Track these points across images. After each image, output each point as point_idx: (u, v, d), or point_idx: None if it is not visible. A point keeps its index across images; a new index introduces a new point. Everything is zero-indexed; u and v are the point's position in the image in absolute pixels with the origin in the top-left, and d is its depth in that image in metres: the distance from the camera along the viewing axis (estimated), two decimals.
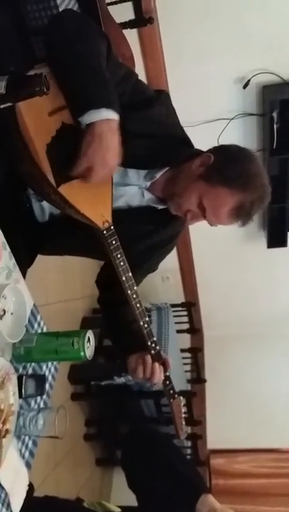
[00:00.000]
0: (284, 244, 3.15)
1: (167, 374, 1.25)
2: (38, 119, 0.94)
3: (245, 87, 2.63)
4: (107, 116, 0.92)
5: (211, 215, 1.16)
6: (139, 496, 1.39)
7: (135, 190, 1.24)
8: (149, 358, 1.20)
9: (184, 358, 3.36)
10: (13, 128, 0.92)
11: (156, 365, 1.20)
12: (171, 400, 1.29)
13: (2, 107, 0.80)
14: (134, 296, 1.16)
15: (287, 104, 2.57)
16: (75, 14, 1.03)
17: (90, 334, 1.02)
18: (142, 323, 1.18)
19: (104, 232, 1.09)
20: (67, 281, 2.90)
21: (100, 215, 1.07)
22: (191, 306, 3.46)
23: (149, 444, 1.46)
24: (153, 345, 1.20)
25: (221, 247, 3.43)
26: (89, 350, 1.01)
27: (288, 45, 2.51)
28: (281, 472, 3.28)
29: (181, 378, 3.18)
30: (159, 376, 1.20)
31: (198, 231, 3.27)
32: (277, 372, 3.60)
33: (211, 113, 2.71)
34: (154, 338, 1.21)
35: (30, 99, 0.79)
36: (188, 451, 3.05)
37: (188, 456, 3.00)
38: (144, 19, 2.23)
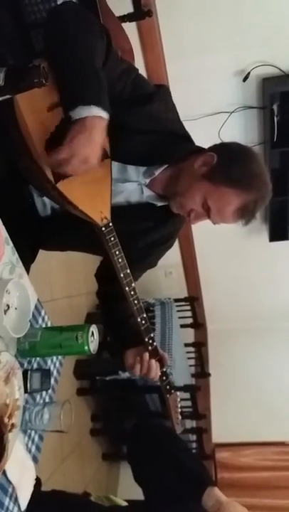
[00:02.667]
0: (286, 238, 3.14)
1: (164, 370, 1.25)
2: (37, 114, 0.94)
3: (245, 79, 2.62)
4: (97, 113, 0.91)
5: (216, 215, 1.15)
6: (146, 489, 1.40)
7: (134, 187, 1.24)
8: (146, 355, 1.20)
9: (188, 352, 3.37)
10: (11, 123, 0.92)
11: (153, 362, 1.21)
12: (168, 396, 1.30)
13: (1, 99, 0.79)
14: (132, 292, 1.16)
15: (288, 97, 2.56)
16: (74, 7, 1.01)
17: (93, 328, 1.03)
18: (139, 320, 1.18)
19: (103, 228, 1.08)
20: (71, 277, 2.90)
21: (98, 212, 1.07)
22: (194, 300, 3.46)
23: (155, 439, 1.47)
24: (150, 341, 1.21)
25: (224, 242, 3.42)
26: (93, 344, 1.02)
27: (288, 36, 2.50)
28: (286, 465, 3.29)
29: (185, 372, 3.19)
30: (155, 373, 1.21)
31: (200, 226, 3.26)
32: (281, 366, 3.60)
33: (211, 106, 2.70)
34: (152, 335, 1.21)
35: (29, 91, 0.79)
36: (194, 444, 3.06)
37: (194, 450, 3.01)
38: (142, 12, 2.22)
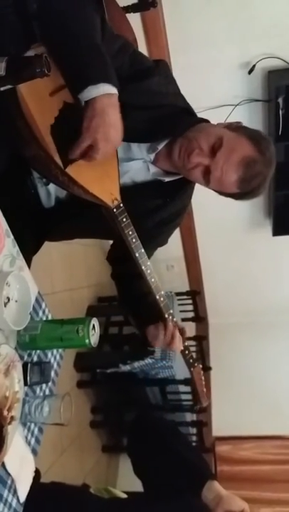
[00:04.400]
0: None
1: (186, 344, 1.27)
2: (40, 100, 0.93)
3: (250, 72, 2.59)
4: (107, 91, 0.90)
5: (224, 155, 1.10)
6: (145, 482, 1.40)
7: (140, 165, 1.22)
8: (170, 325, 1.21)
9: (189, 345, 3.36)
10: (16, 112, 0.91)
11: (177, 331, 1.22)
12: (192, 369, 1.33)
13: (2, 89, 0.78)
14: (149, 271, 1.17)
15: None
16: None
17: (94, 321, 1.02)
18: (158, 297, 1.20)
19: (114, 210, 1.08)
20: (72, 270, 2.90)
21: (108, 193, 1.07)
22: (196, 294, 3.46)
23: (155, 432, 1.47)
24: (170, 317, 1.23)
25: (226, 235, 3.41)
26: (94, 337, 1.01)
27: None
28: (286, 459, 3.30)
29: (186, 366, 3.19)
30: (178, 343, 1.22)
31: (203, 219, 3.26)
32: (282, 360, 3.61)
33: (215, 99, 2.67)
34: (171, 311, 1.23)
35: (31, 81, 0.78)
36: (194, 438, 3.07)
37: (194, 443, 3.03)
38: (147, 2, 2.19)
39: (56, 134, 0.94)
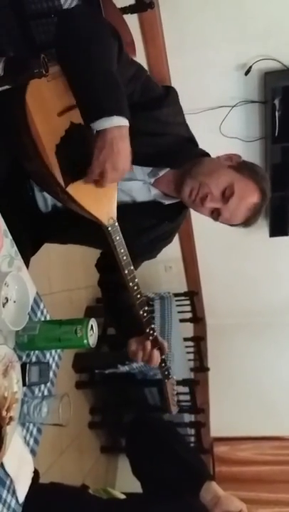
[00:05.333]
0: (286, 233, 3.13)
1: (163, 357, 1.31)
2: (48, 119, 0.95)
3: (247, 73, 2.60)
4: (118, 123, 0.93)
5: (235, 203, 1.17)
6: (144, 483, 1.41)
7: (140, 185, 1.26)
8: (148, 345, 1.26)
9: (186, 346, 3.37)
10: (22, 128, 0.92)
11: (154, 351, 1.26)
12: (166, 380, 1.38)
13: (0, 89, 0.78)
14: (136, 287, 1.19)
15: None
16: (85, 11, 1.01)
17: (93, 322, 1.02)
18: (141, 312, 1.23)
19: (109, 228, 1.10)
20: (70, 270, 2.90)
21: (105, 213, 1.09)
22: (193, 295, 3.46)
23: (153, 432, 1.47)
24: (151, 332, 1.27)
25: (224, 236, 3.40)
26: (92, 338, 1.01)
27: None
28: (284, 459, 3.31)
29: (184, 367, 3.20)
30: (156, 360, 1.27)
31: (201, 220, 3.26)
32: (280, 361, 3.61)
33: (212, 100, 2.68)
34: (153, 326, 1.27)
35: (40, 97, 0.78)
36: (192, 438, 3.07)
37: (192, 444, 3.03)
38: (144, 4, 2.20)
39: (61, 153, 0.96)
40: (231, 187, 1.16)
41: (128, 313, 1.33)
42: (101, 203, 1.08)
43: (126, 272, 1.16)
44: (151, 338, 1.26)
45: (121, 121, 0.94)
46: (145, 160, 1.19)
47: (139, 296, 1.20)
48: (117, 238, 1.12)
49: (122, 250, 1.14)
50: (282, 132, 2.60)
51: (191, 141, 1.27)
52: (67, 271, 2.85)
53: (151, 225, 1.32)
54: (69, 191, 1.00)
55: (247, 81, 2.64)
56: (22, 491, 0.97)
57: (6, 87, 0.79)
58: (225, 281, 3.66)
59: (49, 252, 2.47)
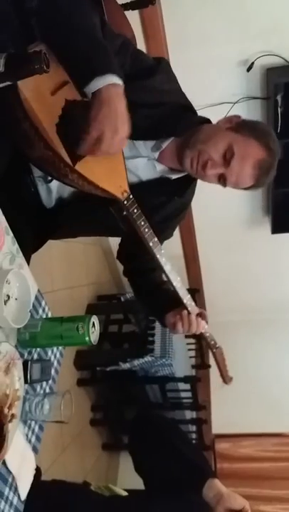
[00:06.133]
0: (288, 230, 3.12)
1: (206, 327, 1.31)
2: (43, 100, 0.93)
3: (249, 69, 2.58)
4: (113, 81, 0.90)
5: (237, 163, 1.13)
6: (146, 480, 1.41)
7: (145, 162, 1.23)
8: (185, 312, 1.26)
9: (188, 343, 3.37)
10: (20, 115, 0.91)
11: (193, 317, 1.26)
12: (214, 350, 1.39)
13: (1, 86, 0.78)
14: (164, 259, 1.20)
15: None
16: None
17: (94, 319, 1.02)
18: (175, 284, 1.23)
19: (125, 202, 1.10)
20: (71, 268, 2.90)
21: (118, 187, 1.08)
22: (195, 292, 3.46)
23: (156, 430, 1.47)
24: (189, 302, 1.26)
25: (225, 233, 3.41)
26: (94, 335, 1.01)
27: None
28: (286, 456, 3.31)
29: (185, 364, 3.20)
30: (196, 326, 1.27)
31: (203, 217, 3.26)
32: (282, 358, 3.61)
33: (214, 97, 2.67)
34: (189, 296, 1.27)
35: (31, 79, 0.78)
36: (194, 435, 3.08)
37: (194, 441, 3.03)
38: (145, 0, 2.19)
39: (62, 132, 0.94)
40: (231, 149, 1.13)
41: (159, 291, 1.34)
42: (112, 178, 1.07)
43: (151, 244, 1.16)
44: (190, 308, 1.26)
45: (114, 79, 0.90)
46: (146, 133, 1.16)
47: (169, 267, 1.21)
48: (135, 211, 1.11)
49: (143, 223, 1.13)
50: (285, 128, 2.59)
51: (190, 109, 1.24)
52: (69, 268, 2.85)
53: (161, 203, 1.29)
54: (78, 169, 0.97)
55: (249, 77, 2.63)
56: (24, 488, 0.97)
57: (7, 83, 0.78)
58: (226, 279, 3.65)
59: (51, 249, 2.47)
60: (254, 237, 3.37)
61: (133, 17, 2.26)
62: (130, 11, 2.16)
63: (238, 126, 1.18)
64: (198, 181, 1.36)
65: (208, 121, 1.25)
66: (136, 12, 2.31)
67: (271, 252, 3.45)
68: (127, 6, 2.14)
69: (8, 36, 0.97)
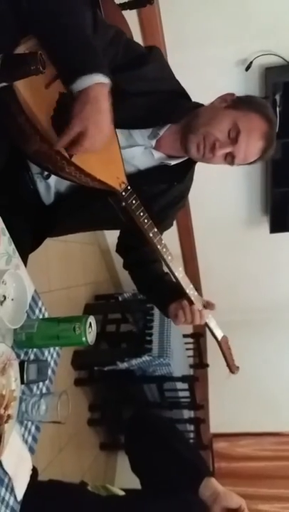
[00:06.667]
0: (287, 229, 3.12)
1: (209, 316, 1.31)
2: (37, 94, 0.93)
3: (247, 69, 2.58)
4: (99, 80, 0.90)
5: (244, 139, 1.14)
6: (143, 479, 1.41)
7: (142, 151, 1.23)
8: (186, 303, 1.25)
9: (186, 343, 3.38)
10: (15, 109, 0.91)
11: (195, 307, 1.25)
12: (219, 339, 1.38)
13: None
14: (164, 249, 1.20)
15: None
16: None
17: (91, 319, 1.02)
18: (177, 274, 1.23)
19: (123, 193, 1.10)
20: (69, 268, 2.90)
21: (115, 178, 1.08)
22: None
23: (152, 429, 1.47)
24: (192, 291, 1.26)
25: (224, 233, 3.41)
26: (91, 335, 1.01)
27: None
28: (283, 455, 3.32)
29: (183, 363, 3.20)
30: (198, 317, 1.26)
31: (201, 217, 3.26)
32: (280, 357, 3.62)
33: (212, 96, 2.63)
34: (191, 285, 1.26)
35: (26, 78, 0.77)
36: (192, 435, 3.08)
37: (192, 440, 3.04)
38: (143, 0, 2.18)
39: (57, 124, 0.94)
40: (235, 126, 1.14)
41: (160, 283, 1.33)
42: (109, 169, 1.06)
43: (151, 234, 1.16)
44: (192, 298, 1.25)
45: (101, 79, 0.90)
46: (142, 122, 1.17)
47: (170, 257, 1.20)
48: (134, 202, 1.11)
49: (142, 213, 1.13)
50: (283, 128, 2.57)
51: (184, 95, 1.25)
52: (66, 268, 2.85)
53: (161, 191, 1.29)
54: (75, 162, 0.97)
55: (247, 77, 2.63)
56: (20, 489, 0.96)
57: (3, 84, 0.78)
58: (225, 278, 3.66)
59: (48, 249, 2.47)
60: (252, 236, 3.37)
61: (131, 16, 2.26)
62: (128, 10, 2.16)
63: (234, 103, 1.18)
64: (195, 179, 1.37)
65: (202, 106, 1.25)
66: (134, 12, 2.31)
67: (269, 252, 3.46)
68: (124, 6, 2.13)
69: (4, 36, 0.97)
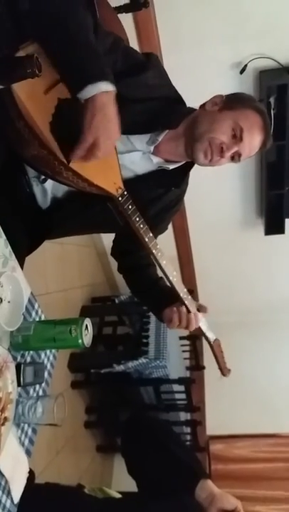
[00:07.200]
0: (281, 232, 3.14)
1: (203, 319, 1.32)
2: (36, 99, 0.94)
3: (242, 72, 2.60)
4: (105, 89, 0.92)
5: (248, 136, 1.18)
6: (139, 481, 1.41)
7: (140, 156, 1.25)
8: (183, 308, 1.26)
9: (182, 345, 3.38)
10: (14, 114, 0.91)
11: (191, 314, 1.27)
12: (212, 343, 1.39)
13: None
14: (159, 254, 1.21)
15: (285, 90, 2.54)
16: None
17: (87, 322, 1.02)
18: (171, 278, 1.24)
19: (120, 198, 1.11)
20: (65, 270, 2.89)
21: (112, 183, 1.09)
22: (189, 293, 3.46)
23: (149, 431, 1.47)
24: (185, 295, 1.27)
25: (219, 235, 3.42)
26: (87, 337, 1.01)
27: (286, 29, 2.48)
28: (280, 457, 3.32)
29: (180, 365, 3.20)
30: (194, 323, 1.27)
31: (196, 219, 3.26)
32: (276, 359, 3.62)
33: (207, 99, 2.68)
34: (185, 290, 1.27)
35: (23, 81, 0.78)
36: (188, 437, 3.08)
37: (188, 443, 3.04)
38: (139, 3, 2.19)
39: (56, 130, 0.95)
40: (237, 125, 1.17)
41: (155, 287, 1.34)
42: (106, 174, 1.08)
43: (146, 239, 1.17)
44: (186, 302, 1.26)
45: (107, 87, 0.92)
46: (141, 127, 1.19)
47: (165, 262, 1.22)
48: (130, 207, 1.13)
49: (138, 219, 1.14)
50: (277, 130, 2.60)
51: (180, 101, 1.27)
52: (63, 270, 2.85)
53: (158, 195, 1.30)
54: (72, 167, 0.99)
55: (242, 79, 2.64)
56: (17, 492, 0.96)
57: (0, 87, 0.78)
58: (220, 280, 3.66)
59: (44, 251, 2.47)
60: (248, 238, 3.38)
61: (126, 20, 2.27)
62: (124, 13, 2.17)
63: (226, 103, 1.21)
64: (190, 182, 1.38)
65: (195, 110, 1.27)
66: (129, 15, 2.32)
67: (264, 254, 3.47)
68: (120, 9, 2.14)
69: (2, 40, 0.97)
